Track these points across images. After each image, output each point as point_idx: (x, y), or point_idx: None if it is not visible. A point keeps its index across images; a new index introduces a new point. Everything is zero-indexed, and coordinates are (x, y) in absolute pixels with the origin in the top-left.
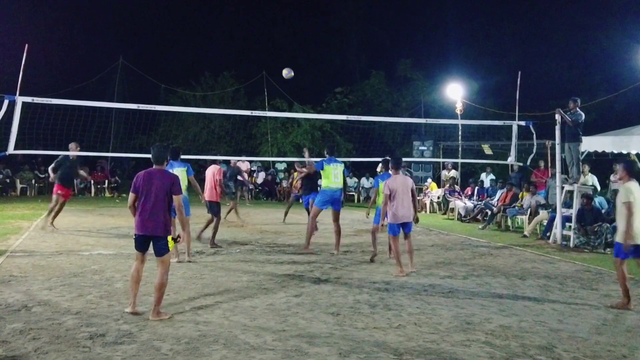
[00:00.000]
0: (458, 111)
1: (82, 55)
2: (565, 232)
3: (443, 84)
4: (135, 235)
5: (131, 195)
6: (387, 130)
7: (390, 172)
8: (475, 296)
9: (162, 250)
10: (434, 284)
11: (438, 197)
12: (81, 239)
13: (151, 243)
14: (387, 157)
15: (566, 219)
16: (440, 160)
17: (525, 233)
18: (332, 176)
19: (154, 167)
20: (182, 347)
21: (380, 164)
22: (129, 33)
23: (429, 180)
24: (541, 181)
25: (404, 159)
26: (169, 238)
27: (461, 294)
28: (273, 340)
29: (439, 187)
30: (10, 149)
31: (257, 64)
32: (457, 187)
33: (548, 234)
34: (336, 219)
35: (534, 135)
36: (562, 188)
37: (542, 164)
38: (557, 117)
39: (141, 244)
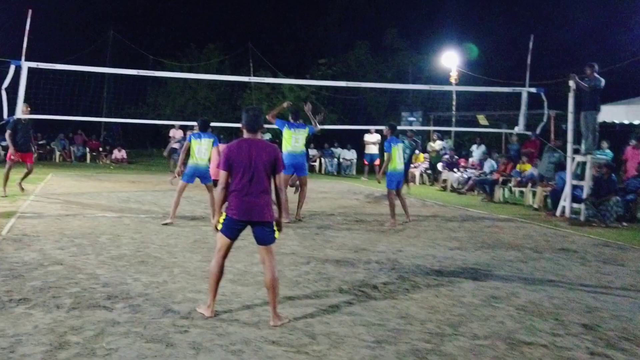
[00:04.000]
0: (453, 80)
1: (74, 27)
2: (574, 205)
3: (433, 52)
4: (228, 218)
5: (223, 174)
6: (372, 102)
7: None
8: (493, 269)
9: (268, 237)
10: (446, 256)
11: (427, 169)
12: (84, 202)
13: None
14: (392, 122)
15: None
16: (431, 128)
17: (535, 206)
18: (293, 140)
19: (246, 135)
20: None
21: (385, 128)
22: (118, 5)
23: (417, 152)
24: (531, 151)
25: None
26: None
27: (477, 266)
28: (293, 313)
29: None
30: (18, 113)
31: (242, 36)
32: (454, 157)
33: (555, 207)
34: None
35: (545, 103)
36: (573, 159)
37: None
38: (571, 83)
39: (236, 230)
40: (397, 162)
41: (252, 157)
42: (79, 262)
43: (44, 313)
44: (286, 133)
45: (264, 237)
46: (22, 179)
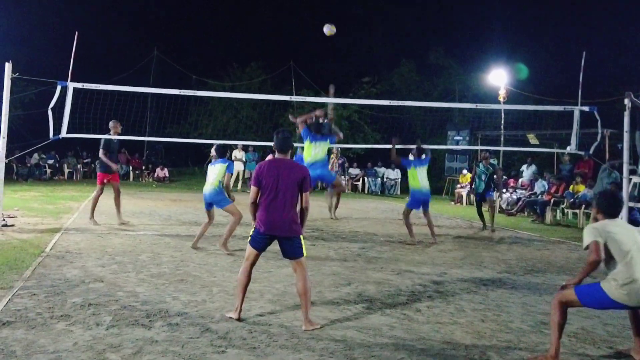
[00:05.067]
0: (501, 98)
1: (119, 49)
2: None
3: (480, 71)
4: (256, 230)
5: (253, 190)
6: (417, 121)
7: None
8: (544, 294)
9: (296, 252)
10: (493, 278)
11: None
12: (126, 219)
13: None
14: (420, 146)
15: None
16: (479, 148)
17: None
18: (312, 151)
19: (277, 155)
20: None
21: (413, 149)
22: (162, 26)
23: (465, 171)
24: (584, 172)
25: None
26: (302, 237)
27: (526, 291)
28: (333, 334)
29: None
30: (63, 133)
31: (284, 55)
32: (504, 178)
33: None
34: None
35: (599, 122)
36: (630, 180)
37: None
38: (627, 101)
39: (261, 243)
40: (419, 182)
41: (280, 175)
42: (120, 279)
43: (83, 330)
44: (307, 145)
45: (291, 251)
46: (118, 209)
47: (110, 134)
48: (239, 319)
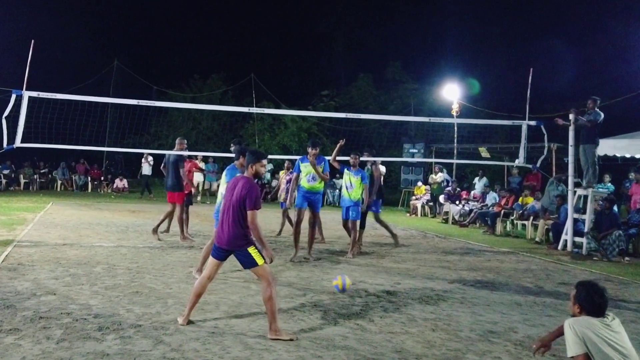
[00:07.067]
0: (454, 112)
1: (79, 58)
2: (576, 239)
3: (435, 85)
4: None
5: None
6: (374, 133)
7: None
8: (492, 303)
9: (246, 263)
10: (445, 288)
11: (428, 201)
12: (82, 231)
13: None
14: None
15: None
16: (433, 160)
17: (537, 239)
18: (347, 182)
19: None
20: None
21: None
22: (123, 36)
23: (420, 183)
24: (532, 184)
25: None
26: (251, 249)
27: (475, 300)
28: (286, 345)
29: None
30: (18, 142)
31: (245, 67)
32: (457, 189)
33: (557, 241)
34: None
35: (545, 136)
36: (575, 192)
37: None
38: (571, 117)
39: (219, 254)
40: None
41: (233, 191)
42: (73, 292)
43: (33, 344)
44: (346, 175)
45: (242, 262)
46: (181, 226)
47: (175, 149)
48: (185, 324)
